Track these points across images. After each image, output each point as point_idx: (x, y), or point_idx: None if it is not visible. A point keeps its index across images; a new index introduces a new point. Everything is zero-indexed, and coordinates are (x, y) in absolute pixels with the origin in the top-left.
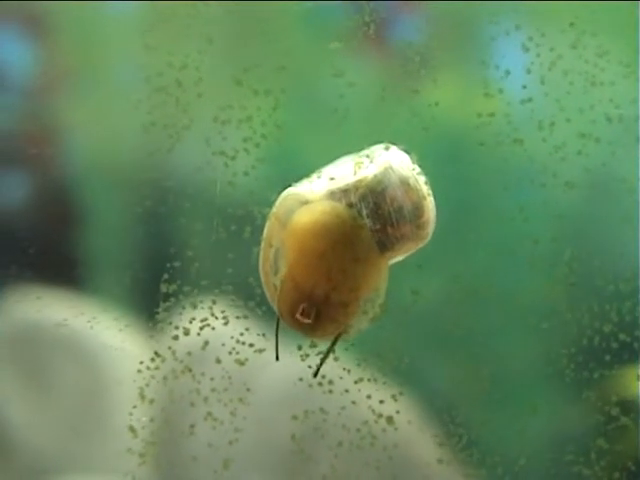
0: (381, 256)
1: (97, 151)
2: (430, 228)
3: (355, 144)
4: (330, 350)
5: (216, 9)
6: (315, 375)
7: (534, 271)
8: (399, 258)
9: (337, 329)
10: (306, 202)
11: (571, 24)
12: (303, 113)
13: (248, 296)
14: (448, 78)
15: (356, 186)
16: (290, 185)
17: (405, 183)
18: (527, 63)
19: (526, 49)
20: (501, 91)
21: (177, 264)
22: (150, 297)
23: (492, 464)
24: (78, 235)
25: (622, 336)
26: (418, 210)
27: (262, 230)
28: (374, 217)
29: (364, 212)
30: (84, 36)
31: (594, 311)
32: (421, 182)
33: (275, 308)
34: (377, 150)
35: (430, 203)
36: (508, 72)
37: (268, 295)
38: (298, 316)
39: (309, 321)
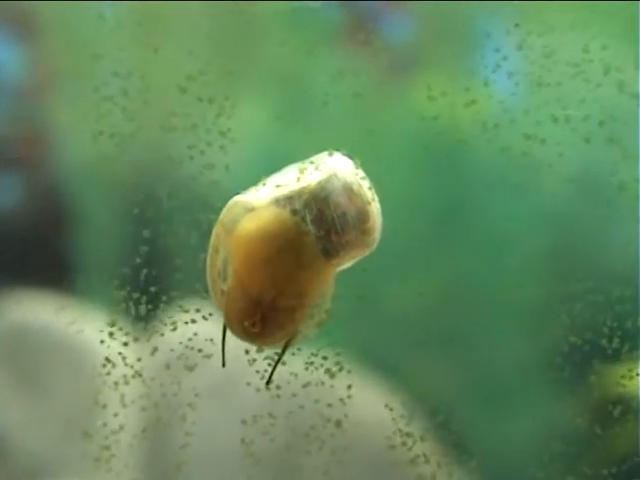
0: (326, 263)
1: (93, 150)
2: (376, 234)
3: (301, 150)
4: (281, 357)
5: (163, 18)
6: (268, 383)
7: (515, 267)
8: (347, 265)
9: (285, 335)
10: (252, 209)
11: (516, 25)
12: (247, 120)
13: (195, 302)
14: (392, 82)
15: (300, 193)
16: (237, 193)
17: (349, 189)
18: (471, 65)
19: (471, 51)
20: (444, 94)
21: (125, 270)
22: (100, 303)
23: (449, 464)
24: (71, 235)
25: (600, 338)
26: (362, 216)
27: (209, 236)
28: (318, 224)
29: (308, 218)
30: (78, 37)
31: (578, 307)
32: (365, 188)
33: (222, 315)
34: (321, 157)
35: (375, 209)
36: (453, 75)
37: (215, 301)
38: (246, 324)
39: (256, 330)
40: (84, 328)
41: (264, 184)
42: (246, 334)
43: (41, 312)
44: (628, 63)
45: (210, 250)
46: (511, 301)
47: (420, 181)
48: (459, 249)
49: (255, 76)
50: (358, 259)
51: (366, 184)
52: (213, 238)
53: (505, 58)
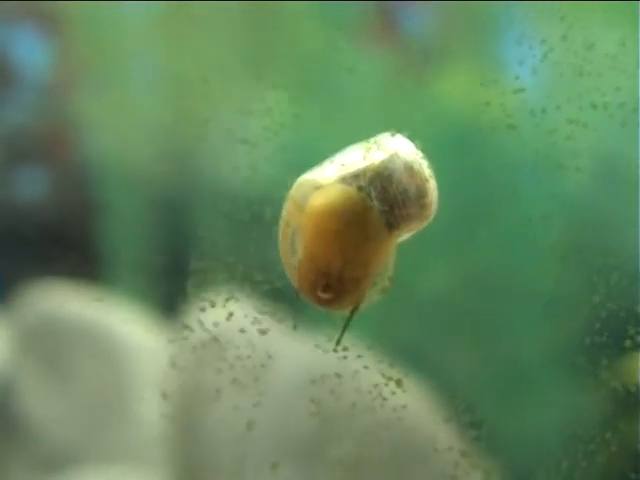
0: (389, 234)
1: (119, 143)
2: (433, 208)
3: (365, 132)
4: (349, 321)
5: (230, 6)
6: (337, 344)
7: (532, 251)
8: (406, 236)
9: (352, 301)
10: (320, 187)
11: (561, 18)
12: (317, 104)
13: (269, 271)
14: (448, 70)
15: (365, 171)
16: (306, 171)
17: (409, 168)
18: (520, 55)
19: (519, 43)
20: (496, 82)
21: (205, 243)
22: (180, 275)
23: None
24: (97, 225)
25: (625, 326)
26: (422, 192)
27: (280, 211)
28: (382, 199)
29: (373, 194)
30: (103, 33)
31: (597, 295)
32: (424, 166)
33: (293, 283)
34: (384, 138)
35: (432, 185)
36: (502, 64)
37: (287, 271)
38: (319, 294)
39: (328, 296)
40: (111, 315)
41: (330, 163)
42: (317, 301)
43: (69, 300)
44: None
45: (282, 224)
46: (535, 288)
47: (449, 165)
48: (483, 234)
49: (318, 65)
50: (417, 230)
51: (425, 163)
52: (284, 213)
53: (551, 49)
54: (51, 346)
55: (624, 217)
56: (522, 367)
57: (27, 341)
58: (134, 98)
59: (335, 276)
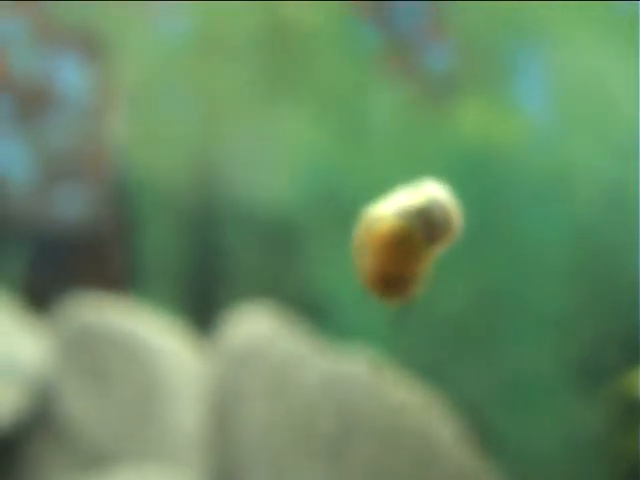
0: (427, 250)
1: (153, 163)
2: (458, 232)
3: (384, 159)
4: (402, 308)
5: (258, 36)
6: (391, 324)
7: (541, 272)
8: (440, 251)
9: (404, 295)
10: (381, 218)
11: (554, 71)
12: (338, 131)
13: (297, 284)
14: (469, 103)
15: (412, 208)
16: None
17: (442, 206)
18: (542, 88)
19: (541, 76)
20: (517, 114)
21: (235, 257)
22: (211, 287)
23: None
24: (133, 240)
25: (627, 345)
26: (450, 223)
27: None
28: (423, 227)
29: (417, 224)
30: (139, 60)
31: (602, 315)
32: (453, 204)
33: (364, 284)
34: (423, 184)
35: (458, 217)
36: (524, 97)
37: (360, 276)
38: (382, 289)
39: (386, 295)
40: (145, 325)
41: (388, 201)
42: (381, 294)
43: (106, 311)
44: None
45: (356, 242)
46: (543, 307)
47: (464, 192)
48: (495, 256)
49: (347, 102)
50: (445, 248)
51: (453, 201)
52: (357, 235)
53: (544, 91)
54: (90, 354)
55: (628, 241)
56: (530, 381)
57: (68, 349)
58: (168, 121)
59: (391, 278)
